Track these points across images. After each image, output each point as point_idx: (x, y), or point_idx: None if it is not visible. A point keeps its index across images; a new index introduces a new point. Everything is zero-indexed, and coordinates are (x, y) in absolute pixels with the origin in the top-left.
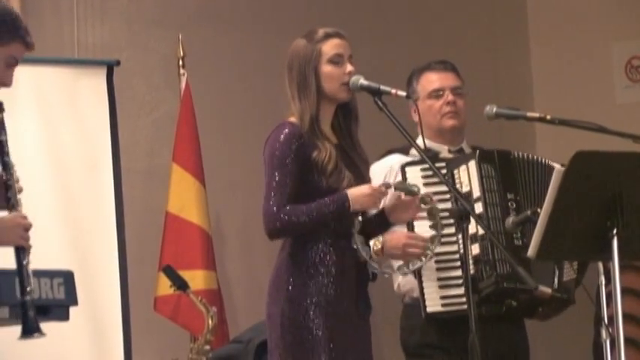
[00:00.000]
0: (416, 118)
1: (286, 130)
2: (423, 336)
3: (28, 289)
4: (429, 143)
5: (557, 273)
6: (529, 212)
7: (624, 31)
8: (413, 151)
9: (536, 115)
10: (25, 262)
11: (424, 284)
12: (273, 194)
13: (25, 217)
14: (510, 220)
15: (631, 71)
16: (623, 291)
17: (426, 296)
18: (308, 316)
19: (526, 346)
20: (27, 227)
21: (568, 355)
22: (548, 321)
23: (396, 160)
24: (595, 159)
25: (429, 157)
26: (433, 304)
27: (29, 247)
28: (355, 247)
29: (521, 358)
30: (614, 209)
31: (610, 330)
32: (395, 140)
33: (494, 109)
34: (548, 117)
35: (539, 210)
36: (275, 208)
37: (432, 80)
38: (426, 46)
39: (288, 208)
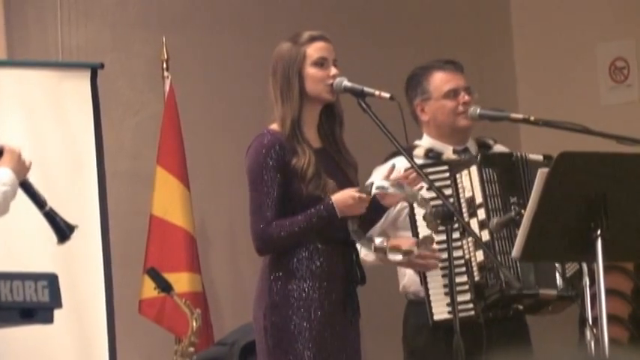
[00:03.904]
0: (425, 118)
1: (265, 141)
2: (431, 337)
3: (44, 199)
4: (434, 143)
5: (559, 272)
6: (513, 213)
7: (608, 32)
8: (416, 151)
9: (520, 116)
10: (30, 181)
11: (430, 291)
12: (258, 211)
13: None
14: (494, 221)
15: (615, 72)
16: (608, 292)
17: (432, 303)
18: (291, 321)
19: (528, 338)
20: (19, 153)
21: None
22: (532, 323)
23: (401, 162)
24: (579, 160)
25: (432, 157)
26: (440, 311)
27: (30, 166)
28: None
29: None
30: (598, 210)
31: (594, 331)
32: (386, 142)
33: (478, 110)
34: (532, 118)
35: (522, 211)
36: (261, 226)
37: (445, 80)
38: (409, 48)
39: (274, 225)
